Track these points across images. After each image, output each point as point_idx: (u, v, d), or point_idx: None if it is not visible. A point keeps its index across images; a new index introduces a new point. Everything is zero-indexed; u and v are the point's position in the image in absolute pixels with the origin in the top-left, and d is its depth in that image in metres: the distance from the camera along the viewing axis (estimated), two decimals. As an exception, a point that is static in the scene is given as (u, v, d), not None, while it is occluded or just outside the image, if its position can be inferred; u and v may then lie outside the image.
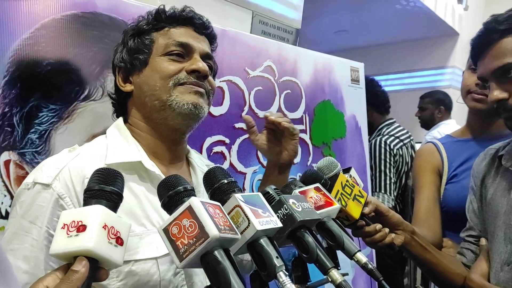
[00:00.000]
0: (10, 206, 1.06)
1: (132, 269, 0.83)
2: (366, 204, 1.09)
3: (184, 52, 0.97)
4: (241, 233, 0.67)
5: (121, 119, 1.01)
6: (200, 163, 1.09)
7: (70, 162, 0.86)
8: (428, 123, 3.83)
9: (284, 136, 1.19)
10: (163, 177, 0.91)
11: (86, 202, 0.66)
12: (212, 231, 0.60)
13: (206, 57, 1.00)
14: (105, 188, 0.66)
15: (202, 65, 0.95)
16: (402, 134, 2.61)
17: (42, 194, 0.82)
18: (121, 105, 1.03)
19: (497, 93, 1.05)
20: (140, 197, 0.89)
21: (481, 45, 1.10)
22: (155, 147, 0.98)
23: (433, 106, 3.78)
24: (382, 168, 2.47)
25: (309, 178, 0.98)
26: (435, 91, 3.93)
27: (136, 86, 0.98)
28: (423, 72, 5.51)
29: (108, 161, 0.88)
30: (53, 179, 0.83)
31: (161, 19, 0.99)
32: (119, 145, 0.94)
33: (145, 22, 0.99)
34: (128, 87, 0.99)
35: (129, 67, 0.98)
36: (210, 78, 1.00)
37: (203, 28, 1.02)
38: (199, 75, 0.96)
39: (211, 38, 1.05)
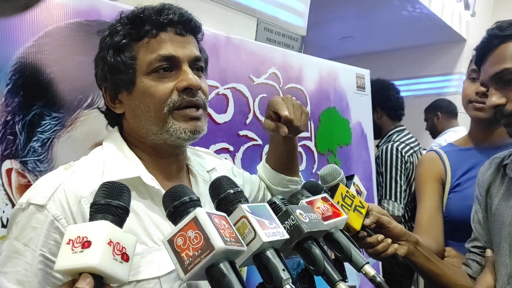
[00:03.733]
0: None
1: None
2: (367, 215, 1.07)
3: (170, 65, 0.90)
4: (247, 244, 0.65)
5: (117, 130, 0.97)
6: (201, 170, 1.05)
7: (65, 181, 0.82)
8: (434, 132, 3.83)
9: None
10: (163, 192, 0.89)
11: (92, 217, 0.65)
12: (218, 243, 0.59)
13: (195, 61, 0.94)
14: (111, 202, 0.65)
15: (193, 79, 0.90)
16: (412, 142, 2.57)
17: (36, 215, 0.78)
18: (115, 119, 0.98)
19: (495, 99, 1.05)
20: (139, 214, 0.86)
21: (483, 51, 1.10)
22: (154, 163, 0.94)
23: (431, 115, 3.80)
24: (393, 175, 2.43)
25: (309, 189, 0.97)
26: (434, 100, 3.93)
27: (128, 109, 0.93)
28: (429, 78, 5.49)
29: (105, 178, 0.84)
30: (47, 200, 0.79)
31: (138, 27, 0.91)
32: (116, 160, 0.90)
33: (122, 34, 0.91)
34: (119, 109, 0.94)
35: (115, 87, 0.93)
36: (203, 85, 0.94)
37: (185, 26, 0.93)
38: (192, 91, 0.91)
39: (197, 31, 0.97)
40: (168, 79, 0.90)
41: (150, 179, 0.89)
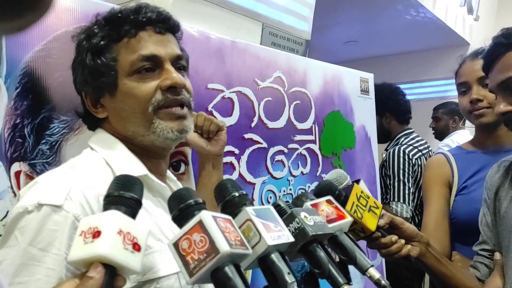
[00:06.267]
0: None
1: (157, 287, 0.80)
2: (381, 215, 1.07)
3: (153, 65, 0.89)
4: (252, 247, 0.65)
5: (104, 131, 0.93)
6: (172, 175, 1.07)
7: (78, 179, 0.79)
8: (442, 134, 3.83)
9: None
10: (168, 189, 0.90)
11: (105, 209, 0.64)
12: (223, 246, 0.59)
13: (177, 59, 0.93)
14: (124, 194, 0.65)
15: (177, 77, 0.89)
16: (421, 145, 2.57)
17: (53, 217, 0.72)
18: (95, 123, 0.95)
19: (502, 106, 1.06)
20: (151, 212, 0.86)
21: (490, 59, 1.11)
22: (146, 163, 0.92)
23: (448, 117, 3.79)
24: (401, 177, 2.43)
25: (323, 189, 0.97)
26: (448, 102, 3.92)
27: (111, 112, 0.91)
28: (433, 82, 5.49)
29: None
30: (64, 200, 0.74)
31: (117, 28, 0.89)
32: (120, 159, 0.88)
33: (100, 35, 0.89)
34: (101, 113, 0.92)
35: (97, 91, 0.90)
36: (187, 83, 0.93)
37: (164, 25, 0.92)
38: (176, 89, 0.90)
39: (176, 30, 0.96)
40: (150, 79, 0.89)
41: (154, 177, 0.90)
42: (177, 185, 1.05)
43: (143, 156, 0.92)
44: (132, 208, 0.65)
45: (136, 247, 0.62)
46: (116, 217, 0.62)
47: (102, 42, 0.89)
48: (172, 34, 0.95)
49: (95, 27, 0.91)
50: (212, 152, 1.21)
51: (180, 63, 0.94)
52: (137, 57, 0.88)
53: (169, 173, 1.04)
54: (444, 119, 3.81)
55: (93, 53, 0.90)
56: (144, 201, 0.85)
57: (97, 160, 0.87)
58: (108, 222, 0.60)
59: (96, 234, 0.59)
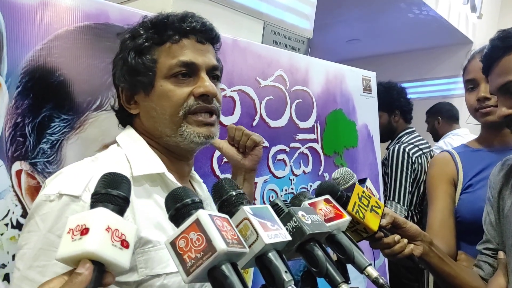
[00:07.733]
0: (21, 216, 1.07)
1: (164, 283, 0.82)
2: (383, 215, 1.07)
3: (189, 71, 0.93)
4: (249, 246, 0.65)
5: (132, 128, 0.98)
6: (199, 177, 1.09)
7: (97, 172, 0.82)
8: (434, 136, 3.88)
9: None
10: None
11: (93, 207, 0.65)
12: (220, 245, 0.59)
13: (212, 69, 0.97)
14: (111, 192, 0.66)
15: (210, 86, 0.93)
16: (422, 144, 2.57)
17: (71, 206, 0.78)
18: (127, 118, 1.00)
19: (504, 109, 1.07)
20: (164, 209, 0.88)
21: (488, 62, 1.12)
22: (168, 163, 0.95)
23: (432, 118, 3.86)
24: (398, 176, 2.42)
25: (325, 190, 0.97)
26: (436, 104, 3.97)
27: (143, 110, 0.95)
28: (436, 80, 5.47)
29: (135, 173, 0.87)
30: (82, 191, 0.79)
31: (161, 32, 0.94)
32: (140, 156, 0.92)
33: (145, 37, 0.94)
34: (134, 109, 0.97)
35: (133, 88, 0.95)
36: (218, 93, 0.97)
37: (206, 35, 0.97)
38: (208, 98, 0.94)
39: (215, 41, 1.01)
40: (185, 84, 0.93)
41: (172, 177, 0.92)
42: (201, 187, 1.08)
43: (166, 156, 0.96)
44: (119, 205, 0.66)
45: (125, 243, 0.62)
46: (104, 214, 0.62)
47: (145, 43, 0.94)
48: (211, 44, 1.00)
49: (141, 28, 0.96)
50: (246, 166, 1.22)
51: (214, 72, 0.98)
52: (176, 62, 0.92)
53: (195, 174, 1.07)
54: (430, 122, 3.88)
55: (135, 52, 0.94)
56: (161, 199, 0.88)
57: (119, 155, 0.92)
58: (96, 219, 0.61)
59: (84, 231, 0.59)
